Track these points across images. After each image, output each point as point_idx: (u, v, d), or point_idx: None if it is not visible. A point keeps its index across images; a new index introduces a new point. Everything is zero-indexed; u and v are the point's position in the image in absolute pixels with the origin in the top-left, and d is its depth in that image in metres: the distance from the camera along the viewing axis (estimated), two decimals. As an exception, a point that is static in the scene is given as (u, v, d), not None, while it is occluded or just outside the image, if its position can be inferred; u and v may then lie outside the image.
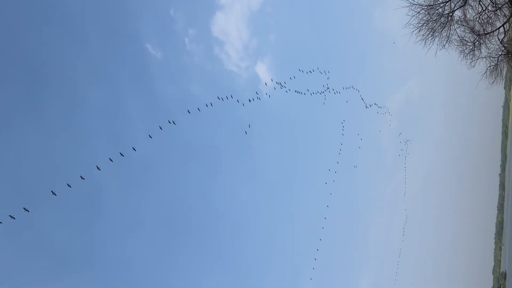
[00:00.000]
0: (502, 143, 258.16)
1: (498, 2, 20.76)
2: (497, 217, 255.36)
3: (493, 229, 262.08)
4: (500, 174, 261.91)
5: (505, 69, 22.73)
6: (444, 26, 21.17)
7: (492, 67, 21.30)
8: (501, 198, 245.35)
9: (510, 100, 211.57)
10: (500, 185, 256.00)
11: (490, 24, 21.51)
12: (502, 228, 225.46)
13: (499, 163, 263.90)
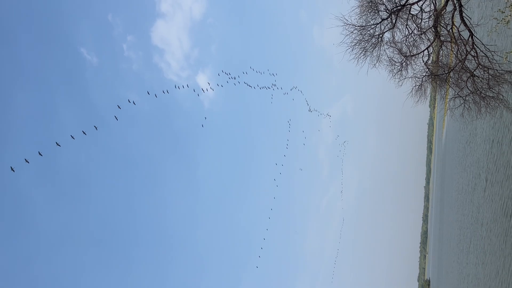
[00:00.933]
0: (427, 158, 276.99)
1: (423, 27, 22.14)
2: (422, 227, 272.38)
3: (418, 239, 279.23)
4: (425, 187, 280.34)
5: (429, 89, 24.15)
6: (375, 46, 22.14)
7: (417, 87, 22.55)
8: (426, 209, 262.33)
9: (434, 117, 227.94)
10: (425, 196, 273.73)
11: (416, 47, 22.85)
12: (427, 237, 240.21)
13: (424, 176, 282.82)
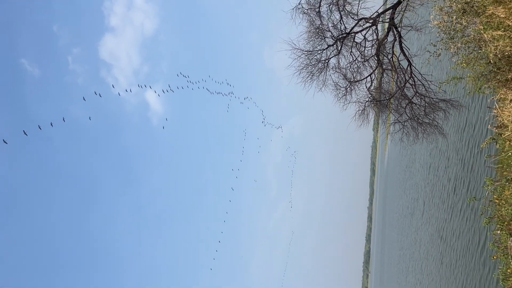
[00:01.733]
0: (370, 179, 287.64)
1: (366, 55, 23.02)
2: (365, 246, 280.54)
3: (362, 258, 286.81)
4: (368, 207, 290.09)
5: (371, 114, 24.99)
6: (321, 71, 22.70)
7: (360, 111, 23.26)
8: (369, 229, 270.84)
9: (377, 140, 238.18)
10: (368, 217, 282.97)
11: (360, 73, 23.67)
12: (369, 257, 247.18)
13: (368, 197, 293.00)
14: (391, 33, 22.17)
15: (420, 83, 22.05)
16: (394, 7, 20.98)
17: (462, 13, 9.26)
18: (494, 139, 12.68)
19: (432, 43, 11.70)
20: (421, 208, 35.95)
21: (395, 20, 21.29)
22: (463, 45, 10.21)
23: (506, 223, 10.03)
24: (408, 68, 22.15)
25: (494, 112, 9.36)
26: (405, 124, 23.41)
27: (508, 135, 7.67)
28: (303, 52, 23.54)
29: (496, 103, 11.81)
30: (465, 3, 8.95)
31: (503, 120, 8.58)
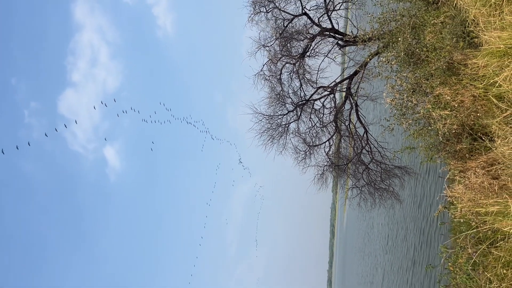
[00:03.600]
0: (330, 241, 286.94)
1: (325, 121, 23.74)
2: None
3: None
4: (328, 270, 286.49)
5: (330, 178, 25.35)
6: (282, 135, 23.11)
7: (319, 175, 23.55)
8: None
9: (336, 202, 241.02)
10: (328, 280, 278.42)
11: (318, 138, 24.25)
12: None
13: (328, 259, 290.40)
14: (348, 101, 23.21)
15: (376, 150, 22.86)
16: (351, 77, 22.15)
17: (412, 92, 9.85)
18: (446, 207, 12.98)
19: (385, 118, 12.26)
20: (380, 280, 35.84)
21: (352, 90, 22.39)
22: (414, 122, 10.72)
23: (461, 291, 9.95)
24: (365, 135, 23.02)
25: (444, 193, 9.66)
26: (363, 189, 23.85)
27: (459, 214, 7.88)
28: (264, 116, 24.12)
29: (445, 182, 12.33)
30: (415, 84, 9.55)
31: (452, 199, 8.86)
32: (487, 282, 6.96)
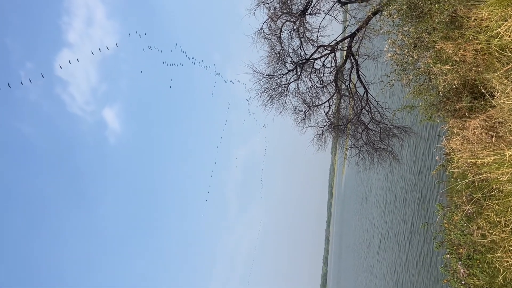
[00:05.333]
0: (328, 201, 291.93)
1: (325, 81, 23.55)
2: (322, 269, 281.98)
3: (318, 281, 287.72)
4: (326, 230, 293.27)
5: (329, 138, 25.44)
6: (281, 95, 23.00)
7: (318, 135, 23.65)
8: (326, 251, 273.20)
9: (335, 164, 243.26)
10: (325, 239, 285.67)
11: (318, 99, 24.13)
12: (326, 280, 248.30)
13: (326, 218, 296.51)
14: (348, 60, 22.94)
15: (375, 110, 22.84)
16: (352, 36, 21.78)
17: (413, 47, 9.72)
18: (444, 166, 13.16)
19: (386, 73, 12.18)
20: (377, 236, 36.72)
21: (353, 49, 22.08)
22: (414, 77, 10.66)
23: (455, 247, 10.32)
24: (365, 95, 22.93)
25: (441, 144, 9.75)
26: (361, 149, 24.03)
27: (455, 164, 8.00)
28: (264, 76, 23.90)
29: (443, 135, 12.37)
30: (416, 38, 9.42)
31: (449, 151, 8.95)
32: (479, 229, 7.19)
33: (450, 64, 8.69)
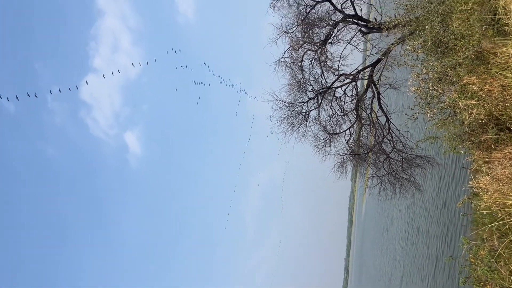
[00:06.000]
0: (347, 230, 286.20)
1: (346, 109, 23.49)
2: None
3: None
4: (345, 259, 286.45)
5: (350, 166, 25.19)
6: (302, 123, 23.03)
7: (339, 163, 23.43)
8: (345, 281, 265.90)
9: (355, 191, 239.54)
10: (345, 269, 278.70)
11: (339, 126, 24.05)
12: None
13: (345, 247, 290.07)
14: (370, 89, 22.90)
15: (397, 139, 22.56)
16: (373, 65, 21.80)
17: (438, 81, 9.64)
18: (469, 199, 12.79)
19: (409, 106, 12.07)
20: (400, 268, 35.65)
21: (374, 78, 22.06)
22: (439, 111, 10.53)
23: (481, 283, 9.88)
24: (386, 124, 22.73)
25: (470, 184, 9.50)
26: (383, 178, 23.65)
27: (484, 204, 7.75)
28: (285, 103, 24.05)
29: (468, 167, 12.08)
30: (441, 72, 9.34)
31: (477, 190, 8.70)
32: (507, 265, 6.87)
33: (476, 99, 8.57)
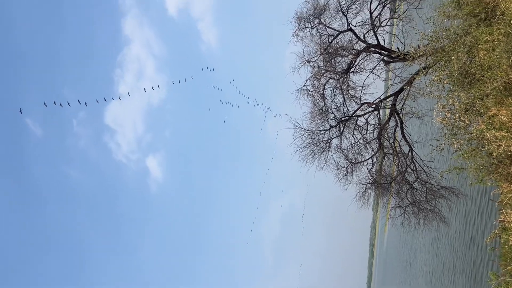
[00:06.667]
0: (369, 261, 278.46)
1: (368, 138, 23.33)
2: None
3: None
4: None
5: (372, 196, 24.78)
6: (323, 150, 22.91)
7: (361, 193, 23.08)
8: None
9: (376, 221, 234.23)
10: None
11: (361, 155, 23.84)
12: None
13: (366, 279, 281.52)
14: (392, 118, 22.69)
15: (421, 169, 22.10)
16: (396, 94, 21.69)
17: (465, 112, 9.50)
18: (498, 233, 12.36)
19: (435, 137, 11.87)
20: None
21: (397, 107, 21.90)
22: (466, 142, 10.32)
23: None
24: (410, 153, 22.35)
25: (501, 218, 9.20)
26: (406, 209, 23.09)
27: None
28: (306, 131, 24.03)
29: (496, 200, 11.70)
30: (468, 103, 9.22)
31: (508, 225, 8.40)
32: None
33: (505, 130, 8.38)
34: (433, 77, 10.54)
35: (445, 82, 9.97)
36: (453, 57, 9.58)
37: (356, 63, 22.80)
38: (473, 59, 9.38)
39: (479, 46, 9.92)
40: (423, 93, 12.11)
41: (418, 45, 13.67)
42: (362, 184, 24.10)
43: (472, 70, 9.19)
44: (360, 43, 22.30)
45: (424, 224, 23.27)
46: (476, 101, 9.16)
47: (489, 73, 8.82)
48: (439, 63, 10.45)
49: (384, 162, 24.33)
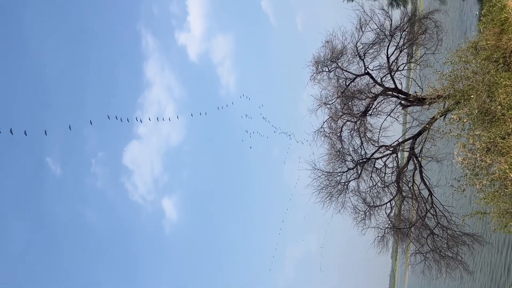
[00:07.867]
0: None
1: (386, 181, 23.02)
2: None
3: None
4: None
5: (391, 241, 24.08)
6: (340, 193, 22.64)
7: (379, 237, 22.48)
8: None
9: (396, 270, 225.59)
10: None
11: (379, 199, 23.43)
12: None
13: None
14: (411, 161, 22.44)
15: (442, 214, 21.51)
16: (415, 137, 21.57)
17: (486, 152, 9.39)
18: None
19: (456, 178, 11.68)
20: None
21: (415, 150, 21.71)
22: (489, 182, 10.12)
23: None
24: (429, 197, 21.86)
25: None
26: (427, 255, 22.31)
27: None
28: (324, 173, 23.85)
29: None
30: (489, 142, 9.13)
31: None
32: None
33: (529, 171, 8.23)
34: (452, 116, 10.53)
35: (464, 120, 9.95)
36: (472, 96, 9.59)
37: (373, 106, 22.94)
38: (493, 98, 9.40)
39: (498, 90, 9.92)
40: (443, 131, 12.04)
41: (441, 85, 13.68)
42: (381, 229, 23.51)
43: (492, 108, 9.17)
44: (378, 86, 22.52)
45: (446, 272, 22.34)
46: (497, 140, 9.08)
47: (510, 112, 8.78)
48: (459, 103, 10.47)
49: (403, 206, 23.83)
